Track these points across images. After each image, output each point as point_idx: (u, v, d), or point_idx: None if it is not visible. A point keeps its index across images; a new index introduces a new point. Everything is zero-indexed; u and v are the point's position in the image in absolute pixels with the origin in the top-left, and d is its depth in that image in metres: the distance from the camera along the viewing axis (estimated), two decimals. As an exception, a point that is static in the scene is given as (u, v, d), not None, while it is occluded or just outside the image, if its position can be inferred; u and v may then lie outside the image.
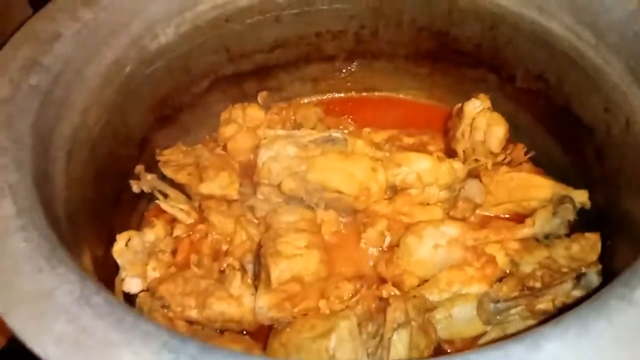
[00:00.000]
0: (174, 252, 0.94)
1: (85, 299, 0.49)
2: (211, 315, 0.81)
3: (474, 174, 0.95)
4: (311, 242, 0.82)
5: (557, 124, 0.95)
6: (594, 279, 0.77)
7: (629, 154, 0.76)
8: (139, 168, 0.97)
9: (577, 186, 0.90)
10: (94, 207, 0.83)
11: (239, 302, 0.81)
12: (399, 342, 0.75)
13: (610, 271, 0.77)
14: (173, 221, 0.98)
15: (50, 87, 0.76)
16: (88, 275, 0.53)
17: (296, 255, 0.80)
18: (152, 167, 0.99)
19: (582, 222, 0.87)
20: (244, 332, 0.84)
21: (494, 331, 0.81)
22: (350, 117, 1.13)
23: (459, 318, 0.82)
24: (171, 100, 1.02)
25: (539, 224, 0.87)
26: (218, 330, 0.84)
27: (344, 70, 1.14)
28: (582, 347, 0.44)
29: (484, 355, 0.44)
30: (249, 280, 0.86)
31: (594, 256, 0.82)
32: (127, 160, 0.95)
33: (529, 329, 0.47)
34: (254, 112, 1.09)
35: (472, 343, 0.82)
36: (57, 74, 0.78)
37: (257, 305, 0.80)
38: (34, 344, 0.46)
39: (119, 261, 0.87)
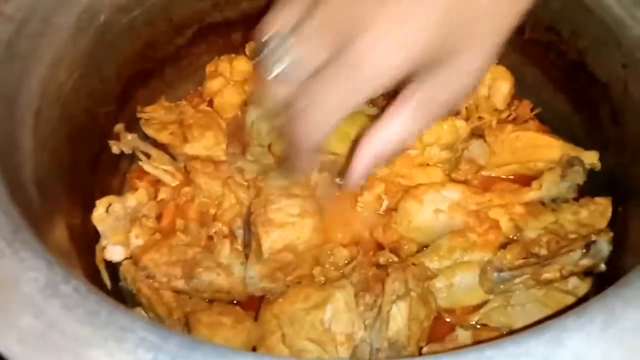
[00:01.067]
0: (158, 217, 0.88)
1: (53, 289, 0.43)
2: (199, 285, 0.77)
3: (477, 133, 0.90)
4: (304, 208, 0.76)
5: (568, 80, 0.88)
6: (604, 247, 0.73)
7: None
8: (119, 127, 0.90)
9: (586, 146, 0.85)
10: (68, 172, 0.77)
11: (228, 272, 0.77)
12: (398, 314, 0.71)
13: (622, 240, 0.72)
14: (157, 183, 0.92)
15: (13, 38, 0.68)
16: (56, 259, 0.47)
17: (288, 224, 0.74)
18: (134, 125, 0.92)
19: (590, 186, 0.82)
20: (234, 302, 0.80)
21: (497, 300, 0.78)
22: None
23: (460, 286, 0.78)
24: (152, 52, 0.93)
25: (546, 188, 0.82)
26: (207, 300, 0.80)
27: (337, 19, 1.06)
28: (609, 343, 0.39)
29: (503, 350, 0.40)
30: (239, 248, 0.81)
31: (603, 223, 0.78)
32: (105, 118, 0.88)
33: (547, 318, 0.42)
34: (241, 65, 1.01)
35: (473, 311, 0.78)
36: (20, 23, 0.70)
37: (248, 276, 0.75)
38: (-5, 341, 0.40)
39: (99, 228, 0.82)
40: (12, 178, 0.57)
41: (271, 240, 0.71)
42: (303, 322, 0.71)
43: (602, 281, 0.76)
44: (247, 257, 0.78)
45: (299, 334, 0.71)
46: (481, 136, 0.89)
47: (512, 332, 0.42)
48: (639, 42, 0.71)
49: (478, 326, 0.77)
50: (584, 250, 0.73)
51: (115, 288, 0.81)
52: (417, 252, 0.82)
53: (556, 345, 0.39)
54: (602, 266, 0.73)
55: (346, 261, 0.80)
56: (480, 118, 0.90)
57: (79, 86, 0.80)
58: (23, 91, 0.68)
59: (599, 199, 0.78)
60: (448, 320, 0.79)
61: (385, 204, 0.86)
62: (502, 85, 0.91)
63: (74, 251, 0.73)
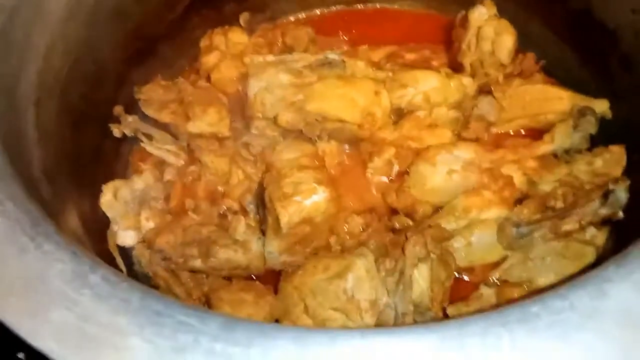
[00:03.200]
0: (166, 198, 0.87)
1: (82, 280, 0.42)
2: (217, 264, 0.76)
3: (484, 90, 0.88)
4: (318, 179, 0.75)
5: (575, 30, 0.87)
6: (622, 195, 0.72)
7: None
8: (118, 109, 0.88)
9: (594, 95, 0.84)
10: (74, 160, 0.75)
11: (246, 248, 0.76)
12: (420, 277, 0.71)
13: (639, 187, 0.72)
14: (161, 164, 0.91)
15: (7, 27, 0.65)
16: (79, 248, 0.46)
17: (304, 196, 0.73)
18: (133, 107, 0.90)
19: (602, 136, 0.81)
20: (252, 277, 0.80)
21: (516, 256, 0.77)
22: (343, 34, 1.03)
23: (478, 245, 0.78)
24: (145, 31, 0.91)
25: (559, 139, 0.81)
26: (225, 278, 0.79)
27: (333, -19, 1.03)
28: (655, 292, 0.39)
29: (547, 305, 0.39)
30: (252, 223, 0.80)
31: (618, 171, 0.77)
32: (104, 102, 0.86)
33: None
34: (236, 37, 0.99)
35: (493, 269, 0.78)
36: (12, 11, 0.67)
37: (267, 251, 0.74)
38: (32, 339, 0.39)
39: (108, 214, 0.81)
40: (23, 172, 0.55)
41: (289, 214, 0.70)
42: (326, 292, 0.71)
43: (618, 229, 0.75)
44: (262, 232, 0.77)
45: (322, 305, 0.70)
46: (489, 93, 0.87)
47: (551, 286, 0.42)
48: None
49: (498, 283, 0.77)
50: (602, 200, 0.72)
51: (129, 273, 0.80)
52: (432, 214, 0.81)
53: (601, 296, 0.39)
54: (620, 214, 0.73)
55: (361, 228, 0.79)
56: (486, 74, 0.88)
57: (75, 72, 0.78)
58: (21, 82, 0.66)
59: (612, 147, 0.78)
60: (467, 279, 0.79)
61: (395, 168, 0.85)
62: (506, 40, 0.89)
63: (87, 239, 0.72)
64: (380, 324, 0.69)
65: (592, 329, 0.38)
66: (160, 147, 0.90)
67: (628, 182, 0.73)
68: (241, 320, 0.40)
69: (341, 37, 1.01)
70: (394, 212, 0.83)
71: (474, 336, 0.38)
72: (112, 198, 0.81)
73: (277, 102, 0.82)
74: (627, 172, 0.76)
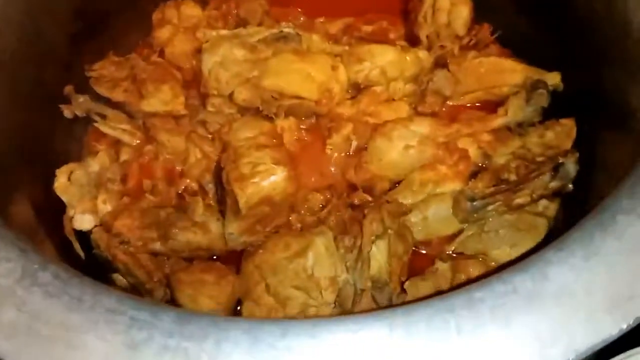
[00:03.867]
0: (123, 179, 0.85)
1: (31, 278, 0.42)
2: (176, 246, 0.76)
3: (440, 63, 0.88)
4: (276, 159, 0.75)
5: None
6: (571, 168, 0.74)
7: (613, 30, 0.69)
8: (68, 89, 0.85)
9: (548, 66, 0.85)
10: (23, 144, 0.73)
11: (205, 229, 0.76)
12: (378, 253, 0.72)
13: (589, 158, 0.74)
14: (117, 144, 0.89)
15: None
16: (29, 245, 0.45)
17: (262, 177, 0.73)
18: (85, 86, 0.87)
19: (553, 108, 0.83)
20: (214, 257, 0.80)
21: (471, 228, 0.79)
22: (298, 5, 1.01)
23: (435, 218, 0.80)
24: (94, 6, 0.87)
25: (512, 113, 0.82)
26: (186, 259, 0.79)
27: (285, -51, 1.00)
28: (592, 273, 0.41)
29: (491, 290, 0.41)
30: (212, 203, 0.80)
31: (568, 143, 0.79)
32: (54, 82, 0.83)
33: (533, 251, 0.43)
34: (189, 10, 0.96)
35: (449, 241, 0.80)
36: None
37: (227, 232, 0.74)
38: (-20, 341, 0.39)
39: (63, 198, 0.79)
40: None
41: (247, 195, 0.70)
42: (286, 271, 0.71)
43: (570, 200, 0.78)
44: (221, 213, 0.77)
45: (283, 283, 0.71)
46: (444, 66, 0.87)
47: (497, 270, 0.43)
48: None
49: (455, 255, 0.79)
50: (552, 173, 0.74)
51: (89, 256, 0.80)
52: (390, 189, 0.82)
53: (541, 279, 0.41)
54: (570, 186, 0.75)
55: (321, 205, 0.80)
56: (442, 47, 0.88)
57: (19, 51, 0.75)
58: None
59: (563, 120, 0.79)
60: (425, 252, 0.81)
61: (354, 144, 0.85)
62: (462, 10, 0.89)
63: (41, 226, 0.71)
64: (340, 301, 0.70)
65: (534, 310, 0.40)
66: (114, 127, 0.88)
67: (577, 155, 0.75)
68: (194, 313, 0.41)
69: (296, 9, 0.99)
70: (353, 188, 0.83)
71: (421, 323, 0.39)
72: (66, 181, 0.80)
73: (233, 79, 0.81)
74: (577, 143, 0.78)
